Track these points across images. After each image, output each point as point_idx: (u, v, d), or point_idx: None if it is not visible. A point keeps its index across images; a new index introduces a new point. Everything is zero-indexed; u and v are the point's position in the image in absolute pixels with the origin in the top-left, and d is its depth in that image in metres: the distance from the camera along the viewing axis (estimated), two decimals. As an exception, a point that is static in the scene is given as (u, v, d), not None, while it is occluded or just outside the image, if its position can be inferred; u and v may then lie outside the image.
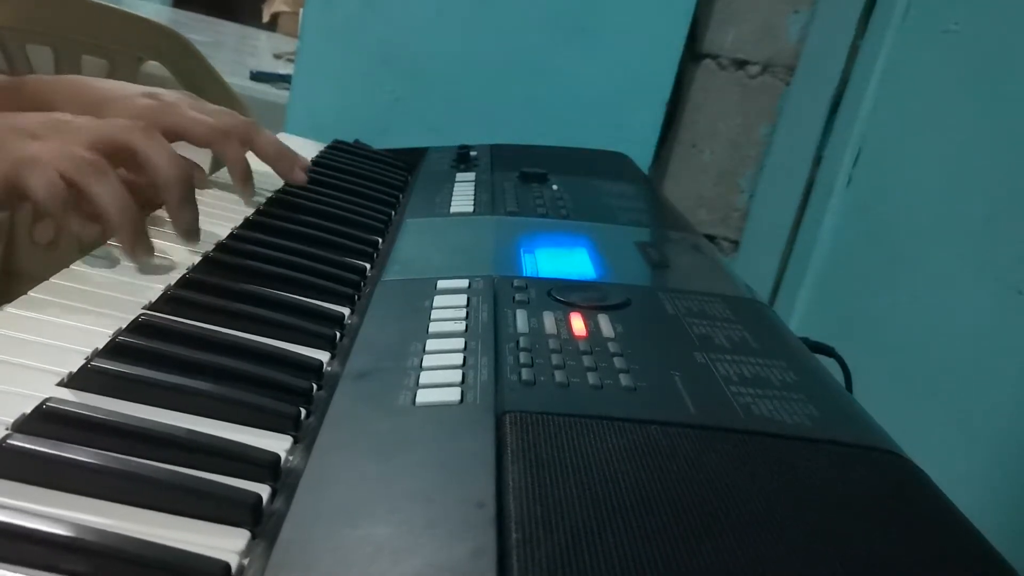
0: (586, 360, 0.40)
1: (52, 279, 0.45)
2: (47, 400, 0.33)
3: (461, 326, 0.44)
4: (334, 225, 0.64)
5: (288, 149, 0.71)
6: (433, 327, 0.44)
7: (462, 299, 0.48)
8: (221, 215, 0.62)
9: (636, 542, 0.27)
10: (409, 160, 0.92)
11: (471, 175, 0.82)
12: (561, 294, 0.48)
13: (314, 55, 1.16)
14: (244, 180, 0.66)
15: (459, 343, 0.42)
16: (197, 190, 0.63)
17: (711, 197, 1.25)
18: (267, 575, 0.26)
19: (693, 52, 1.20)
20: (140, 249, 0.49)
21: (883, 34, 0.99)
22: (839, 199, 1.03)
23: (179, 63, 1.24)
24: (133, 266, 0.49)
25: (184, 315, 0.44)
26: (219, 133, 0.65)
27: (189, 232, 0.53)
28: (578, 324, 0.44)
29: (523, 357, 0.40)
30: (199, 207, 0.56)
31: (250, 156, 0.69)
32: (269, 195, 0.69)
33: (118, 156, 0.50)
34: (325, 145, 0.92)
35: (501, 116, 1.15)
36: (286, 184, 0.71)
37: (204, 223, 0.59)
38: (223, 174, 0.74)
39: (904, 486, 0.33)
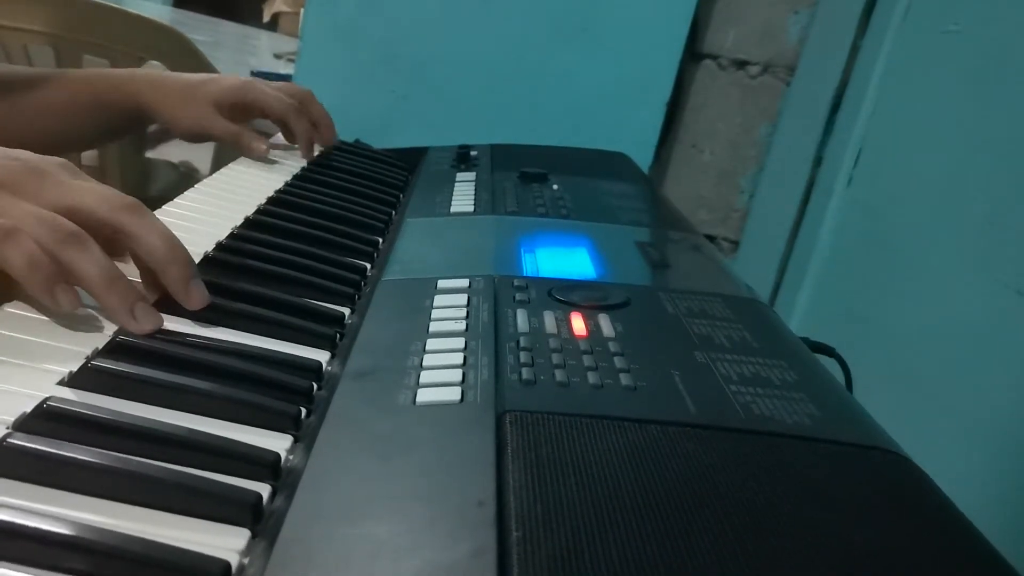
0: (586, 360, 0.40)
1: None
2: (48, 399, 0.33)
3: (461, 326, 0.44)
4: (334, 225, 0.64)
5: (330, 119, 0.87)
6: (433, 327, 0.44)
7: (462, 299, 0.48)
8: (221, 215, 0.62)
9: (636, 541, 0.27)
10: (409, 160, 0.92)
11: (471, 175, 0.82)
12: (561, 294, 0.48)
13: (315, 55, 1.16)
14: (310, 149, 0.83)
15: (459, 343, 0.42)
16: (204, 185, 0.67)
17: (711, 197, 1.25)
18: (267, 574, 0.26)
19: (693, 52, 1.20)
20: (141, 318, 0.42)
21: (883, 34, 0.99)
22: (839, 199, 1.03)
23: (180, 63, 1.24)
24: (134, 266, 0.49)
25: (185, 314, 0.44)
26: (293, 110, 0.81)
27: (202, 304, 0.45)
28: (578, 324, 0.44)
29: (523, 357, 0.40)
30: (203, 205, 0.57)
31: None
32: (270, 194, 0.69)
33: (100, 232, 0.43)
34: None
35: (501, 116, 1.15)
36: (317, 164, 0.79)
37: (205, 221, 0.59)
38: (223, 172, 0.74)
39: (904, 486, 0.34)
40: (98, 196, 0.43)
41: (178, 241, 0.45)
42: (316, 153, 0.84)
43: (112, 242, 0.43)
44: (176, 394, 0.36)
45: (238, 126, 0.79)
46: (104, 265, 0.41)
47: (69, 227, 0.41)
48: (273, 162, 0.81)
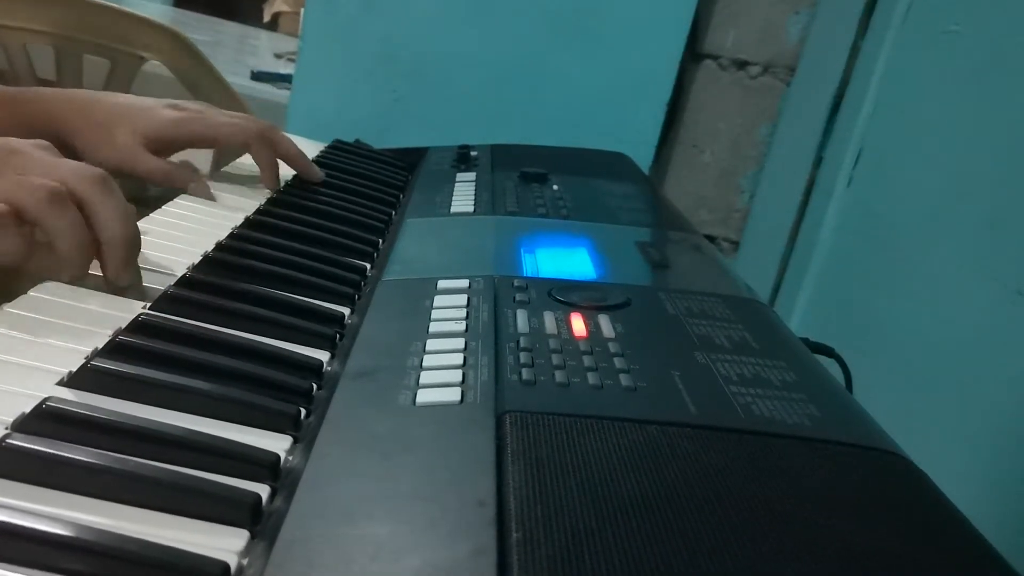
0: (586, 360, 0.40)
1: (52, 278, 0.45)
2: (47, 399, 0.33)
3: (461, 326, 0.44)
4: (334, 225, 0.64)
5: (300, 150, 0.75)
6: (433, 327, 0.44)
7: (462, 299, 0.48)
8: (221, 214, 0.62)
9: (636, 542, 0.27)
10: (409, 160, 0.92)
11: (471, 175, 0.82)
12: (561, 294, 0.48)
13: (315, 55, 1.16)
14: (276, 180, 0.72)
15: (459, 343, 0.42)
16: (197, 197, 0.65)
17: (711, 197, 1.25)
18: (267, 575, 0.26)
19: (694, 52, 1.20)
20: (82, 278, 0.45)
21: (884, 35, 0.99)
22: (839, 200, 1.03)
23: (180, 63, 1.24)
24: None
25: (184, 314, 0.44)
26: (253, 136, 0.70)
27: (124, 289, 0.47)
28: (578, 324, 0.44)
29: (523, 357, 0.40)
30: (204, 204, 0.57)
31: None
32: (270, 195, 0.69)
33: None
34: (326, 145, 0.92)
35: (501, 116, 1.15)
36: (303, 181, 0.74)
37: (205, 221, 0.59)
38: (223, 173, 0.74)
39: (904, 486, 0.33)
40: (68, 169, 0.45)
41: (133, 223, 0.46)
42: (279, 184, 0.73)
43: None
44: (175, 394, 0.36)
45: (167, 163, 0.68)
46: (77, 233, 0.44)
47: (51, 187, 0.43)
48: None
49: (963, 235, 0.81)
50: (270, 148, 0.71)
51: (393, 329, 0.45)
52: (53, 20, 1.22)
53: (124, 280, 0.46)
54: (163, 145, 0.68)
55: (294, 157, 0.73)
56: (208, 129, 0.69)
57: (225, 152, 0.75)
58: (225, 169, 0.76)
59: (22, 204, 0.43)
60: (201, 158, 0.79)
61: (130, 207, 0.46)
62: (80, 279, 0.45)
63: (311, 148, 0.89)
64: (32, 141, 0.47)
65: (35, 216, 0.43)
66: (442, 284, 0.50)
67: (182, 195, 0.64)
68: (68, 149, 0.65)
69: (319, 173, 0.75)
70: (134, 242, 0.46)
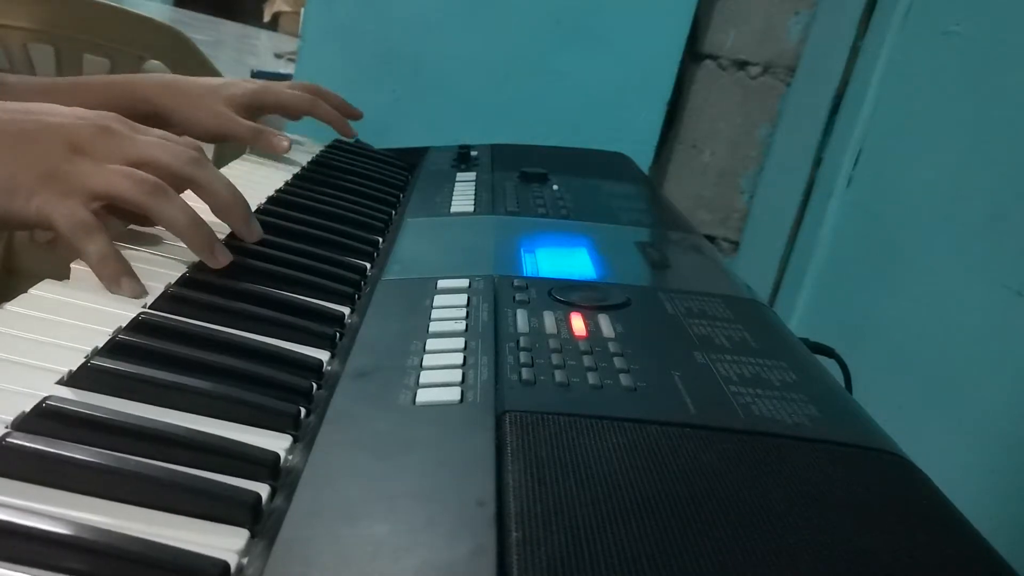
0: (586, 360, 0.40)
1: (52, 277, 0.45)
2: (47, 398, 0.33)
3: (461, 325, 0.44)
4: (334, 224, 0.64)
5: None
6: (433, 326, 0.44)
7: (462, 299, 0.48)
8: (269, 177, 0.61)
9: (636, 541, 0.27)
10: (409, 159, 0.92)
11: (471, 175, 0.82)
12: (561, 294, 0.48)
13: (315, 55, 1.16)
14: (345, 126, 0.88)
15: (459, 342, 0.42)
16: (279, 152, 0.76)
17: (711, 197, 1.25)
18: (266, 574, 0.26)
19: (694, 53, 1.20)
20: (219, 255, 0.49)
21: (884, 35, 0.99)
22: (839, 200, 1.03)
23: (181, 62, 1.24)
24: (134, 265, 0.49)
25: (184, 314, 0.44)
26: (311, 102, 0.85)
27: (259, 237, 0.54)
28: (578, 324, 0.44)
29: (523, 357, 0.40)
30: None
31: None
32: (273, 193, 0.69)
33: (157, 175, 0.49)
34: (326, 144, 0.92)
35: (501, 116, 1.15)
36: (301, 182, 0.78)
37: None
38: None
39: (904, 486, 0.33)
40: (167, 150, 0.50)
41: (236, 188, 0.52)
42: (354, 131, 0.89)
43: (178, 187, 0.49)
44: (175, 393, 0.36)
45: (257, 125, 0.80)
46: (188, 211, 0.48)
47: (152, 180, 0.47)
48: (273, 161, 0.81)
49: (963, 235, 0.81)
50: (322, 107, 0.85)
51: (393, 329, 0.45)
52: (53, 19, 1.22)
53: (254, 235, 0.53)
54: (247, 111, 0.80)
55: (341, 105, 0.89)
56: (278, 98, 0.83)
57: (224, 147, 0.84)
58: (225, 168, 0.76)
59: (130, 196, 0.46)
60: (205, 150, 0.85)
61: (226, 177, 0.52)
62: (206, 252, 0.49)
63: (311, 148, 0.89)
64: (113, 116, 0.50)
65: (145, 207, 0.47)
66: (442, 284, 0.50)
67: (181, 195, 0.64)
68: (165, 125, 0.73)
69: (353, 131, 0.90)
70: (243, 201, 0.53)
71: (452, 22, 1.14)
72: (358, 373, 0.40)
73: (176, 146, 0.51)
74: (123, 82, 0.79)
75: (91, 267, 0.45)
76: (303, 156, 0.85)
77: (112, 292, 0.45)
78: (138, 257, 0.49)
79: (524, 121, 1.15)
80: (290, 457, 0.35)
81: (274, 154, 0.79)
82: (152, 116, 0.78)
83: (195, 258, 0.52)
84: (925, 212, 0.88)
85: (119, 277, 0.45)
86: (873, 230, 0.97)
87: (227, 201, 0.52)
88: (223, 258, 0.49)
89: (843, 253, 1.03)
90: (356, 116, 0.90)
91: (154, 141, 0.50)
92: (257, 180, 0.73)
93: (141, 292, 0.45)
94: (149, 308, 0.44)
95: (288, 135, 0.79)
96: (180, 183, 0.50)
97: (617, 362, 0.40)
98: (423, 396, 0.37)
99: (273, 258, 0.54)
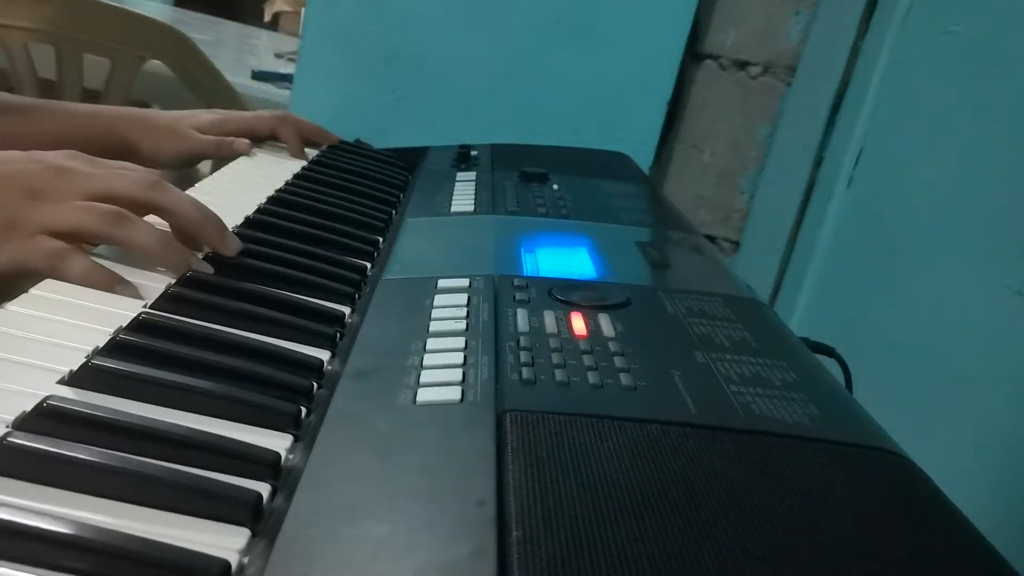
0: (586, 359, 0.40)
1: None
2: (47, 398, 0.33)
3: (462, 325, 0.44)
4: (335, 224, 0.64)
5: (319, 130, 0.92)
6: (434, 326, 0.44)
7: (463, 298, 0.48)
8: (221, 214, 0.61)
9: (636, 541, 0.27)
10: (410, 159, 0.92)
11: (472, 174, 0.82)
12: (562, 293, 0.48)
13: (315, 54, 1.16)
14: (301, 148, 0.87)
15: (460, 342, 0.42)
16: (204, 184, 0.70)
17: (711, 197, 1.25)
18: (267, 573, 0.26)
19: (694, 52, 1.20)
20: (198, 268, 0.50)
21: (884, 35, 0.99)
22: (840, 200, 1.03)
23: (181, 62, 1.24)
24: (133, 265, 0.49)
25: (185, 313, 0.44)
26: (276, 121, 0.87)
27: (237, 250, 0.53)
28: (578, 323, 0.44)
29: (523, 356, 0.40)
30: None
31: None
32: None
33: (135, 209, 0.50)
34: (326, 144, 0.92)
35: (502, 116, 1.15)
36: (303, 180, 0.79)
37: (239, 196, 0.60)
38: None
39: (904, 486, 0.34)
40: (125, 179, 0.50)
41: (203, 205, 0.52)
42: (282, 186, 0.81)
43: (141, 214, 0.50)
44: (176, 393, 0.36)
45: (215, 138, 0.82)
46: (155, 233, 0.48)
47: (113, 209, 0.47)
48: (274, 161, 0.81)
49: (963, 235, 0.81)
50: (291, 126, 0.87)
51: (393, 328, 0.45)
52: (54, 19, 1.22)
53: (231, 249, 0.52)
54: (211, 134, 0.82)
55: (312, 131, 0.90)
56: (242, 122, 0.85)
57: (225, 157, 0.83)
58: (225, 169, 0.76)
59: (94, 229, 0.47)
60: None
61: (190, 196, 0.52)
62: (183, 269, 0.49)
63: (311, 148, 0.89)
64: (68, 153, 0.51)
65: (111, 238, 0.47)
66: (442, 283, 0.50)
67: (191, 188, 0.65)
68: (133, 157, 0.78)
69: (335, 137, 0.92)
70: (213, 217, 0.52)
71: (452, 22, 1.14)
72: (358, 373, 0.40)
73: (134, 173, 0.51)
74: (97, 114, 0.82)
75: (82, 285, 0.46)
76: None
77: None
78: (138, 257, 0.50)
79: (524, 121, 1.15)
80: (291, 456, 0.35)
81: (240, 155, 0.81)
82: (119, 148, 0.80)
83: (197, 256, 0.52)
84: (925, 212, 0.88)
85: (111, 286, 0.46)
86: (873, 230, 0.97)
87: (195, 220, 0.51)
88: (204, 270, 0.50)
89: (843, 253, 1.03)
90: (328, 139, 0.92)
91: (111, 173, 0.50)
92: (257, 180, 0.73)
93: (136, 294, 0.46)
94: (150, 308, 0.44)
95: (245, 142, 0.82)
96: (143, 209, 0.50)
97: (617, 361, 0.40)
98: (423, 396, 0.37)
99: (273, 258, 0.54)
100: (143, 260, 0.49)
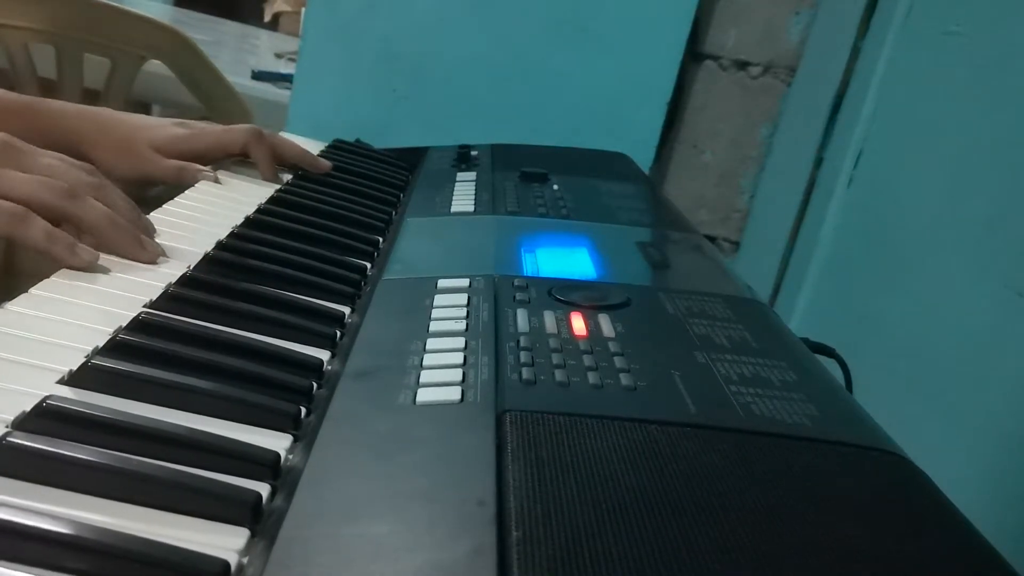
0: (586, 359, 0.40)
1: (52, 277, 0.45)
2: (47, 398, 0.33)
3: (462, 325, 0.44)
4: (335, 224, 0.64)
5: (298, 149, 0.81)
6: (434, 326, 0.44)
7: (463, 298, 0.48)
8: (222, 214, 0.62)
9: (636, 541, 0.27)
10: (410, 159, 0.92)
11: (472, 174, 0.82)
12: (562, 293, 0.48)
13: (315, 55, 1.16)
14: (274, 173, 0.77)
15: (459, 342, 0.42)
16: (203, 185, 0.69)
17: (712, 198, 1.25)
18: (267, 573, 0.26)
19: (694, 53, 1.20)
20: (147, 251, 0.50)
21: (885, 35, 0.99)
22: (840, 200, 1.03)
23: (181, 62, 1.24)
24: (134, 265, 0.49)
25: (185, 313, 0.44)
26: (248, 136, 0.76)
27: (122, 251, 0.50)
28: (578, 324, 0.44)
29: (523, 356, 0.40)
30: (204, 203, 0.57)
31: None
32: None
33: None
34: (326, 144, 0.92)
35: (502, 116, 1.15)
36: (307, 178, 0.77)
37: (205, 221, 0.59)
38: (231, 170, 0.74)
39: (904, 486, 0.33)
40: (35, 185, 0.48)
41: (117, 213, 0.51)
42: (277, 176, 0.77)
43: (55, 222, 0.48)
44: (176, 393, 0.36)
45: (177, 163, 0.73)
46: (101, 210, 0.49)
47: (62, 185, 0.48)
48: (242, 188, 0.79)
49: (963, 235, 0.81)
50: (264, 144, 0.77)
51: (393, 328, 0.45)
52: (54, 19, 1.22)
53: (151, 256, 0.50)
54: (174, 156, 0.74)
55: (298, 157, 0.79)
56: (210, 139, 0.76)
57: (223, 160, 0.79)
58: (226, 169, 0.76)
59: (45, 201, 0.47)
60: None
61: (109, 204, 0.51)
62: (133, 252, 0.49)
63: (311, 148, 0.89)
64: (8, 138, 0.50)
65: (63, 211, 0.48)
66: (442, 283, 0.50)
67: (181, 195, 0.64)
68: (84, 160, 0.70)
69: (326, 164, 0.80)
70: (125, 226, 0.50)
71: (452, 22, 1.14)
72: (358, 373, 0.40)
73: (78, 166, 0.51)
74: (57, 112, 0.75)
75: (43, 251, 0.46)
76: None
77: (71, 267, 0.46)
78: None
79: (524, 121, 1.15)
80: (290, 457, 0.35)
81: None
82: (69, 148, 0.69)
83: (197, 256, 0.52)
84: (925, 212, 0.88)
85: (72, 250, 0.46)
86: (873, 230, 0.97)
87: (106, 235, 0.49)
88: (154, 251, 0.50)
89: (843, 253, 1.03)
90: (320, 168, 0.80)
91: (56, 162, 0.50)
92: (257, 180, 0.73)
93: (96, 259, 0.47)
94: (150, 308, 0.44)
95: (211, 172, 0.73)
96: (55, 217, 0.48)
97: (617, 362, 0.40)
98: (423, 396, 0.37)
99: (273, 258, 0.54)
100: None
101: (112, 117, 0.76)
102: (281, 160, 0.78)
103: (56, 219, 0.48)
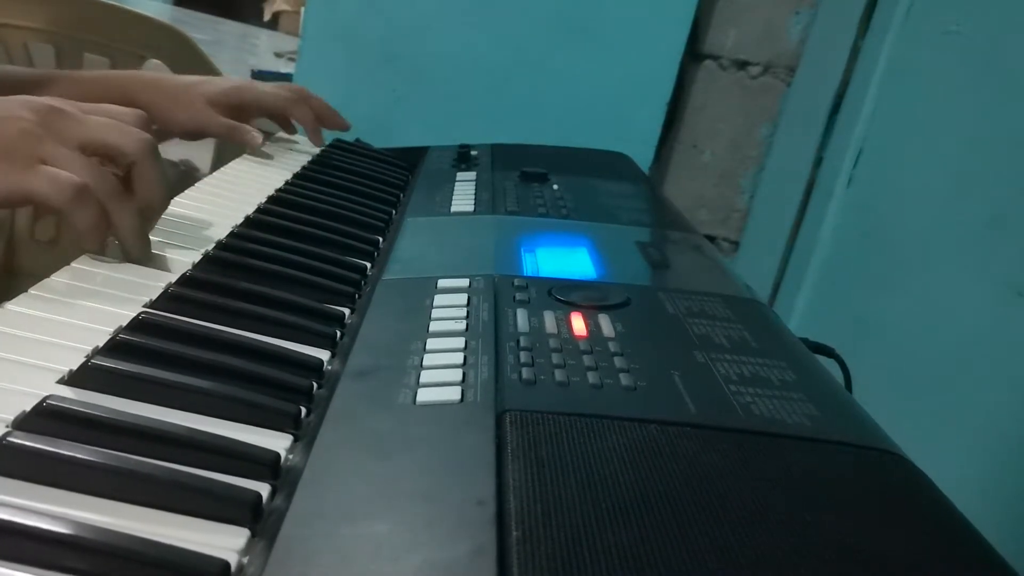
0: (586, 359, 0.40)
1: (52, 277, 0.45)
2: (47, 398, 0.33)
3: (462, 325, 0.44)
4: (335, 224, 0.64)
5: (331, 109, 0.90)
6: (434, 326, 0.44)
7: (463, 298, 0.48)
8: (222, 213, 0.62)
9: (636, 541, 0.27)
10: (410, 159, 0.92)
11: (472, 174, 0.82)
12: (561, 293, 0.48)
13: (315, 54, 1.16)
14: (317, 132, 0.87)
15: (460, 342, 0.42)
16: (204, 184, 0.69)
17: (711, 197, 1.25)
18: (267, 573, 0.26)
19: (694, 52, 1.20)
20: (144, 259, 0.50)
21: (884, 35, 0.99)
22: (839, 200, 1.03)
23: (181, 61, 1.24)
24: (134, 265, 0.49)
25: (185, 313, 0.44)
26: (291, 101, 0.85)
27: (135, 255, 0.50)
28: (578, 323, 0.44)
29: (523, 356, 0.40)
30: (204, 203, 0.57)
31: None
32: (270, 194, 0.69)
33: (107, 157, 0.49)
34: (326, 144, 0.92)
35: (502, 115, 1.15)
36: (313, 169, 0.80)
37: (205, 220, 0.59)
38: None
39: (904, 486, 0.34)
40: (118, 131, 0.49)
41: (168, 192, 0.52)
42: (323, 140, 0.88)
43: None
44: (176, 393, 0.36)
45: (231, 121, 0.80)
46: (132, 217, 0.48)
47: (110, 179, 0.47)
48: (273, 161, 0.81)
49: (963, 235, 0.81)
50: (306, 108, 0.85)
51: (393, 328, 0.45)
52: (53, 18, 1.22)
53: (139, 251, 0.50)
54: (225, 108, 0.81)
55: (323, 113, 0.88)
56: (257, 94, 0.83)
57: (224, 147, 0.82)
58: (226, 168, 0.76)
59: (47, 199, 0.45)
60: (201, 154, 0.86)
61: (167, 177, 0.52)
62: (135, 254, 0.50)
63: (311, 147, 0.89)
64: (62, 100, 0.49)
65: (101, 198, 0.47)
66: (442, 283, 0.50)
67: (181, 194, 0.64)
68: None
69: (345, 123, 0.90)
70: (161, 209, 0.52)
71: (452, 22, 1.14)
72: (358, 372, 0.40)
73: (127, 126, 0.50)
74: (106, 78, 0.80)
75: (80, 233, 0.46)
76: (303, 156, 0.85)
77: (89, 251, 0.48)
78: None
79: (524, 121, 1.15)
80: (290, 456, 0.35)
81: (249, 149, 0.80)
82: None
83: (197, 256, 0.52)
84: (925, 212, 0.88)
85: (104, 243, 0.48)
86: (873, 230, 0.97)
87: (127, 244, 0.49)
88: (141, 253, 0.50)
89: (843, 253, 1.03)
90: (342, 127, 0.90)
91: (105, 121, 0.49)
92: (257, 180, 0.73)
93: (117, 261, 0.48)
94: (150, 308, 0.44)
95: (263, 134, 0.81)
96: (121, 164, 0.49)
97: (617, 362, 0.40)
98: (423, 396, 0.37)
99: (273, 258, 0.54)
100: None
101: (159, 76, 0.83)
102: (322, 123, 0.86)
103: (122, 163, 0.49)
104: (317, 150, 0.88)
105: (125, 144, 0.49)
